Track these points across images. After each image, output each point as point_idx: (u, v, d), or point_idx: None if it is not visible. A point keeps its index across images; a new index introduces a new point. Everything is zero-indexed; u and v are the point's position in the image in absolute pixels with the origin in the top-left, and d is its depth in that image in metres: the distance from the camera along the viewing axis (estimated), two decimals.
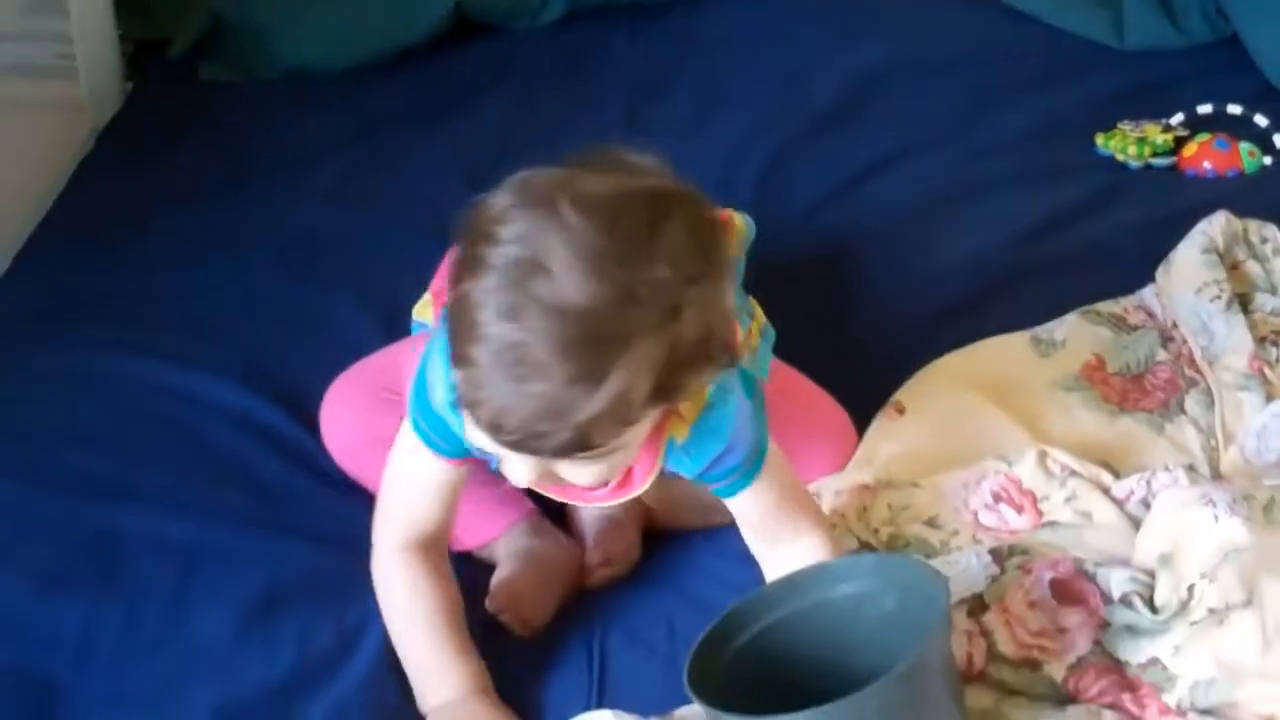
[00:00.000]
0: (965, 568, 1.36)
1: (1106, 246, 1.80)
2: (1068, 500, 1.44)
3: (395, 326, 1.57)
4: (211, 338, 1.65)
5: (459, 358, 1.11)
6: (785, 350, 1.50)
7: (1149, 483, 1.43)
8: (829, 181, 1.92)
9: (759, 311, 1.49)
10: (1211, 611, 1.25)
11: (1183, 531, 1.31)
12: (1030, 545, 1.39)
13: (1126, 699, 1.25)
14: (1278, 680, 1.21)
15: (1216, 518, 1.30)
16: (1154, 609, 1.28)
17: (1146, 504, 1.42)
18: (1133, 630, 1.28)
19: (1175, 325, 1.64)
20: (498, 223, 1.10)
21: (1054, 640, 1.29)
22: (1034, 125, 2.03)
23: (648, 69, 2.17)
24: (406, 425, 1.30)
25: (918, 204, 1.88)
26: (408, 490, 1.33)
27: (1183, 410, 1.56)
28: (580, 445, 1.11)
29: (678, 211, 1.12)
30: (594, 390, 1.08)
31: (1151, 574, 1.31)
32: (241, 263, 1.78)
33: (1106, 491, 1.44)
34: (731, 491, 1.31)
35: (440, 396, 1.21)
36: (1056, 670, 1.27)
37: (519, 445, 1.12)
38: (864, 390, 1.55)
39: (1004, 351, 1.61)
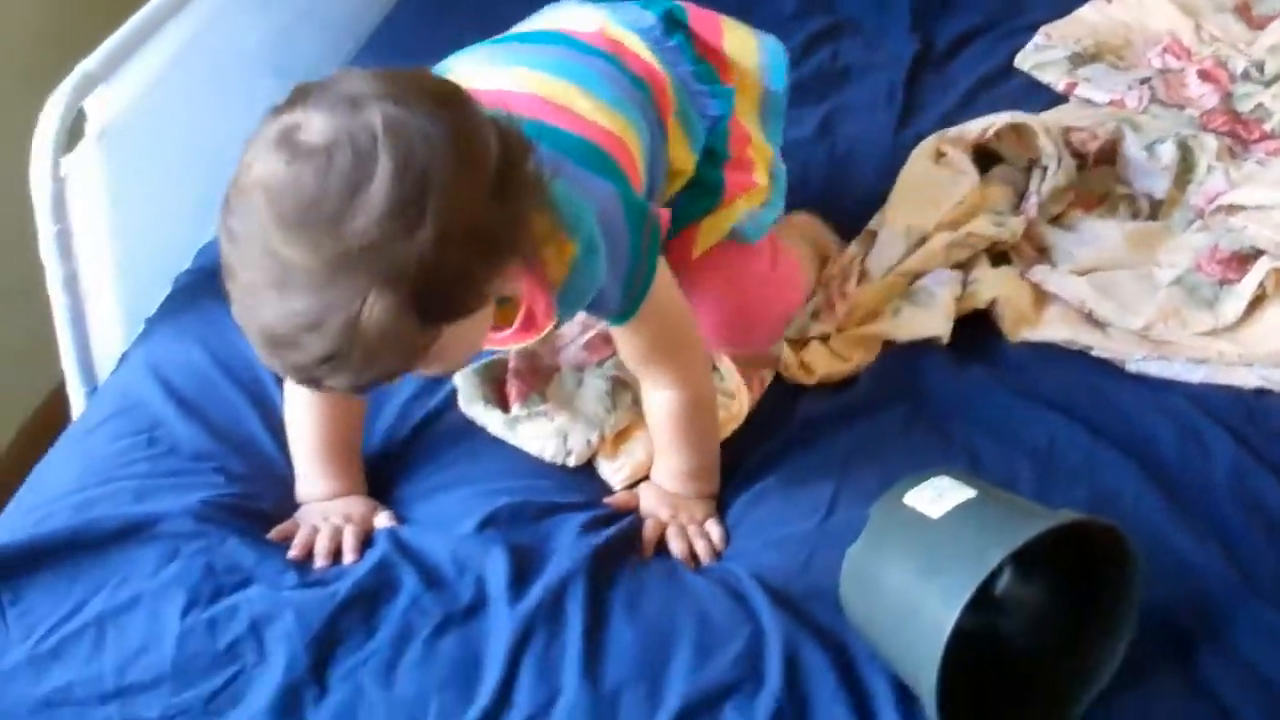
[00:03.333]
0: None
1: None
2: (1213, 52, 2.11)
3: None
4: None
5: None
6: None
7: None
8: None
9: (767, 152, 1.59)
10: None
11: None
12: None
13: (1239, 129, 1.92)
14: None
15: None
16: (1262, 73, 1.96)
17: None
18: (1248, 95, 1.96)
19: None
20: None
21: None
22: None
23: None
24: None
25: None
26: None
27: None
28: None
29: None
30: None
31: (1263, 62, 1.99)
32: None
33: (1242, 51, 2.11)
34: (611, 323, 1.40)
35: None
36: (1193, 114, 1.95)
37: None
38: None
39: None
